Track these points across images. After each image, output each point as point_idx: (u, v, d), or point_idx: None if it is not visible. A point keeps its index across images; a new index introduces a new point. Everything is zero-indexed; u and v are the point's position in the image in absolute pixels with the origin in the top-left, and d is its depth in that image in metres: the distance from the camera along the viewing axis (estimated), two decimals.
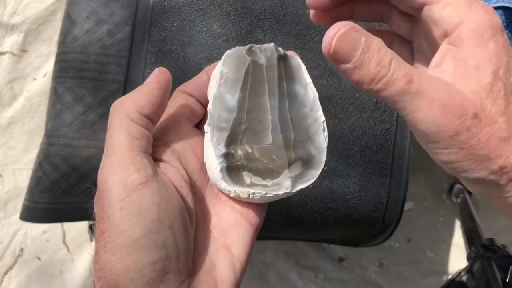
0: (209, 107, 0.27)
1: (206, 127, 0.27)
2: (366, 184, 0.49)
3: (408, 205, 0.75)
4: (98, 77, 0.48)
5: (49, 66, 0.74)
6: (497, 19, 0.22)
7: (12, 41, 0.73)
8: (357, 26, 0.21)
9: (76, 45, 0.48)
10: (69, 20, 0.49)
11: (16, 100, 0.73)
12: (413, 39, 0.27)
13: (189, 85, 0.28)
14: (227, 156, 0.26)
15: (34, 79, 0.74)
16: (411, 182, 0.50)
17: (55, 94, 0.49)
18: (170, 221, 0.22)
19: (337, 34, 0.21)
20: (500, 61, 0.21)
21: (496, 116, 0.21)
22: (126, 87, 0.48)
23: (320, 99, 0.28)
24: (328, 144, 0.27)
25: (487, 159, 0.21)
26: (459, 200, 0.70)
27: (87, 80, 0.48)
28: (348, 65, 0.21)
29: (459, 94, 0.21)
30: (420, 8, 0.23)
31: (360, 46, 0.21)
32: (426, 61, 0.25)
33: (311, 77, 0.28)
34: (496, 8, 0.43)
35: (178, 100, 0.27)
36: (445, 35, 0.22)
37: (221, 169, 0.26)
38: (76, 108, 0.48)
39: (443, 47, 0.22)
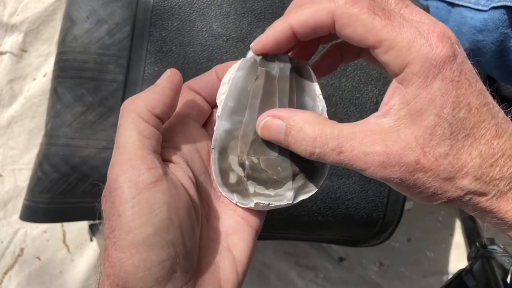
0: (218, 114, 0.27)
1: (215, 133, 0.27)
2: (366, 184, 0.49)
3: (408, 205, 0.75)
4: (98, 77, 0.48)
5: (49, 66, 0.74)
6: (445, 50, 0.21)
7: (12, 41, 0.73)
8: (279, 112, 0.24)
9: (76, 45, 0.48)
10: (69, 20, 0.49)
11: (16, 100, 0.73)
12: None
13: (197, 82, 0.28)
14: None
15: (34, 79, 0.74)
16: None
17: (55, 94, 0.49)
18: (179, 220, 0.22)
19: (260, 125, 0.25)
20: (445, 99, 0.21)
21: (440, 159, 0.22)
22: (126, 87, 0.48)
23: None
24: None
25: (435, 195, 0.22)
26: None
27: (87, 80, 0.48)
28: (282, 145, 0.25)
29: (398, 143, 0.22)
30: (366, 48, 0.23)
31: (281, 131, 0.24)
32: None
33: None
34: (498, 7, 0.43)
35: (185, 97, 0.27)
36: (394, 74, 0.22)
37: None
38: (76, 108, 0.48)
39: (393, 84, 0.23)
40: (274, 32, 0.25)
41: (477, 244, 0.51)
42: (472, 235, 0.59)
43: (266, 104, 0.27)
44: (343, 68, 0.49)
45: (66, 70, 0.49)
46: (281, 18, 0.25)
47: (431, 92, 0.21)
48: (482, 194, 0.22)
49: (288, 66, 0.27)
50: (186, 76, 0.52)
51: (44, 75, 0.74)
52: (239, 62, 0.27)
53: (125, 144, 0.23)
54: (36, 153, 0.50)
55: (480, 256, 0.48)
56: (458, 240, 0.75)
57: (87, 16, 0.48)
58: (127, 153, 0.22)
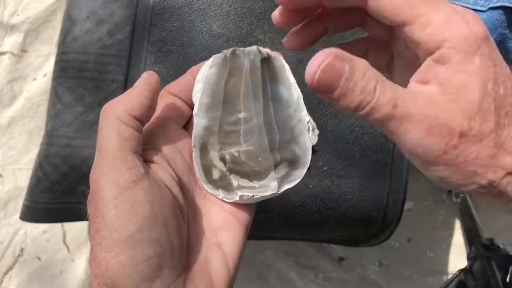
0: (195, 111, 0.27)
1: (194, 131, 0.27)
2: (366, 184, 0.49)
3: (408, 205, 0.75)
4: (98, 77, 0.48)
5: (49, 66, 0.74)
6: (480, 29, 0.21)
7: (12, 41, 0.73)
8: (341, 53, 0.21)
9: (76, 45, 0.48)
10: (69, 20, 0.49)
11: (16, 100, 0.73)
12: (393, 42, 0.26)
13: (175, 86, 0.29)
14: None
15: (34, 79, 0.74)
16: (411, 182, 0.50)
17: (55, 94, 0.49)
18: (163, 218, 0.23)
19: (321, 66, 0.20)
20: (487, 74, 0.21)
21: (485, 134, 0.21)
22: (126, 87, 0.48)
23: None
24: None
25: (475, 175, 0.21)
26: (459, 200, 0.70)
27: (87, 80, 0.48)
28: (333, 95, 0.21)
29: (446, 113, 0.21)
30: (398, 25, 0.22)
31: (344, 76, 0.20)
32: (408, 67, 0.25)
33: None
34: (496, 7, 0.43)
35: (164, 101, 0.27)
36: (429, 53, 0.22)
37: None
38: (76, 108, 0.48)
39: (428, 63, 0.22)
40: None
41: (477, 244, 0.51)
42: (472, 235, 0.59)
43: (239, 96, 0.27)
44: None
45: (66, 70, 0.49)
46: None
47: (472, 67, 0.21)
48: None
49: (258, 58, 0.27)
50: None
51: (44, 75, 0.74)
52: (211, 59, 0.28)
53: (106, 146, 0.23)
54: (36, 153, 0.50)
55: (480, 256, 0.48)
56: (458, 240, 0.75)
57: (87, 16, 0.48)
58: (108, 155, 0.23)
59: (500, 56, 0.22)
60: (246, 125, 0.27)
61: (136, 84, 0.25)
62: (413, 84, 0.23)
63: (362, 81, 0.20)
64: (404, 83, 0.23)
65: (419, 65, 0.23)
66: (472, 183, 0.22)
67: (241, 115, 0.27)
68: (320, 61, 0.20)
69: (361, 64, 0.21)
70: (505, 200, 0.22)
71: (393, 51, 0.26)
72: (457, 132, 0.21)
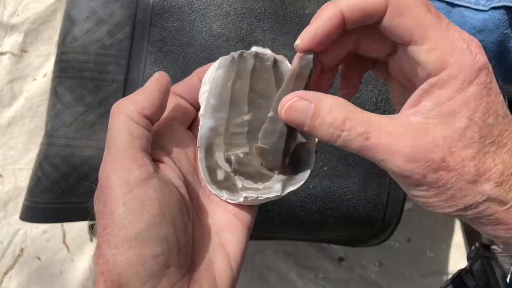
0: (201, 112, 0.27)
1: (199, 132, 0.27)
2: (366, 184, 0.49)
3: (408, 205, 0.75)
4: (98, 77, 0.48)
5: (49, 66, 0.74)
6: (482, 58, 0.22)
7: (12, 41, 0.73)
8: (306, 94, 0.23)
9: (76, 45, 0.48)
10: (69, 20, 0.49)
11: (16, 100, 0.73)
12: (389, 62, 0.26)
13: (180, 87, 0.29)
14: None
15: (34, 79, 0.74)
16: None
17: (55, 94, 0.49)
18: (171, 216, 0.23)
19: (285, 106, 0.23)
20: (478, 104, 0.21)
21: (466, 161, 0.22)
22: (126, 87, 0.48)
23: None
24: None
25: (453, 198, 0.22)
26: None
27: (87, 80, 0.48)
28: (303, 129, 0.23)
29: (426, 139, 0.22)
30: (405, 44, 0.23)
31: (309, 113, 0.23)
32: (401, 91, 0.26)
33: None
34: (498, 7, 0.43)
35: (170, 102, 0.28)
36: (428, 76, 0.22)
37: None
38: (76, 108, 0.48)
39: (424, 86, 0.23)
40: (324, 22, 0.23)
41: (477, 244, 0.51)
42: (472, 235, 0.59)
43: (245, 98, 0.27)
44: None
45: (66, 70, 0.49)
46: (329, 3, 0.23)
47: (466, 96, 0.21)
48: (501, 202, 0.22)
49: (270, 59, 0.27)
50: (186, 76, 0.52)
51: (44, 75, 0.74)
52: (218, 61, 0.28)
53: (116, 144, 0.23)
54: (36, 153, 0.50)
55: (480, 256, 0.48)
56: (458, 240, 0.75)
57: (87, 16, 0.48)
58: (118, 153, 0.23)
59: (496, 85, 0.22)
60: (269, 125, 0.26)
61: (147, 83, 0.26)
62: (404, 110, 0.23)
63: (329, 117, 0.22)
64: (400, 105, 0.24)
65: (410, 89, 0.24)
66: (450, 206, 0.22)
67: (270, 113, 0.26)
68: (285, 101, 0.23)
69: (328, 102, 0.23)
70: (481, 221, 0.23)
71: (390, 70, 0.27)
72: (437, 157, 0.21)
